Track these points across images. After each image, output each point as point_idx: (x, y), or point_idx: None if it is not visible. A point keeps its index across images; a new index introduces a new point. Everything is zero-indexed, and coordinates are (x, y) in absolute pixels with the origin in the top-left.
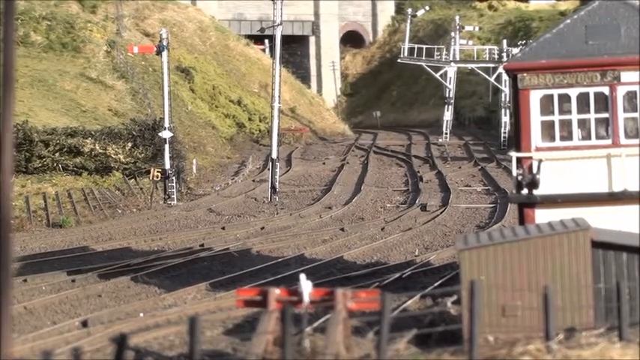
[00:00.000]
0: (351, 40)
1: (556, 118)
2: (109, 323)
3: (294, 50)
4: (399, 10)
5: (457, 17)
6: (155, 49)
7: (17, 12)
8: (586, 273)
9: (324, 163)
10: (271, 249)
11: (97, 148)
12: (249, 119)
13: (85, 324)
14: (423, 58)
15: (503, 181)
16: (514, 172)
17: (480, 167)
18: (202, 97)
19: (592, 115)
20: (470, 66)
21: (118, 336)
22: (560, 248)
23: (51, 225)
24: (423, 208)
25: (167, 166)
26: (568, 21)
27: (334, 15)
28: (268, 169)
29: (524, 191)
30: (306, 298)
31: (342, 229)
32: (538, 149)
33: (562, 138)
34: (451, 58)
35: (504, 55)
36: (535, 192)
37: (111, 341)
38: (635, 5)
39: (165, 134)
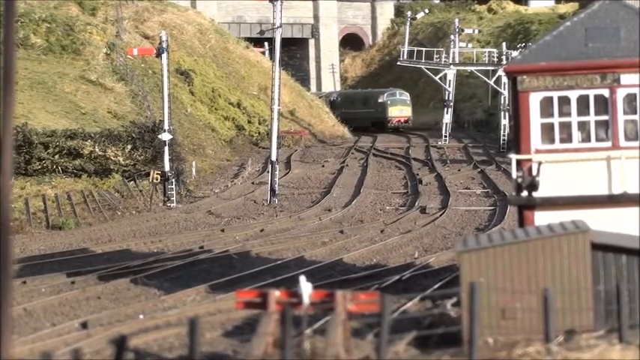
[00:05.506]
0: (351, 42)
1: (556, 120)
2: (109, 325)
3: (294, 53)
4: (399, 13)
5: (456, 20)
6: (155, 51)
7: (17, 14)
8: (586, 275)
9: (323, 166)
10: (271, 251)
11: (97, 150)
12: (249, 122)
13: (84, 325)
14: (423, 60)
15: (502, 184)
16: (514, 174)
17: (479, 170)
18: (202, 99)
19: (592, 118)
20: (469, 69)
21: (117, 338)
22: (559, 250)
23: (50, 227)
24: (423, 210)
25: (167, 168)
26: (568, 23)
27: (334, 18)
28: (268, 172)
29: (524, 193)
30: (306, 300)
31: (342, 232)
32: (538, 151)
33: (562, 140)
34: (450, 61)
35: (504, 57)
36: (534, 194)
37: (110, 343)
38: (635, 8)
39: (165, 136)
